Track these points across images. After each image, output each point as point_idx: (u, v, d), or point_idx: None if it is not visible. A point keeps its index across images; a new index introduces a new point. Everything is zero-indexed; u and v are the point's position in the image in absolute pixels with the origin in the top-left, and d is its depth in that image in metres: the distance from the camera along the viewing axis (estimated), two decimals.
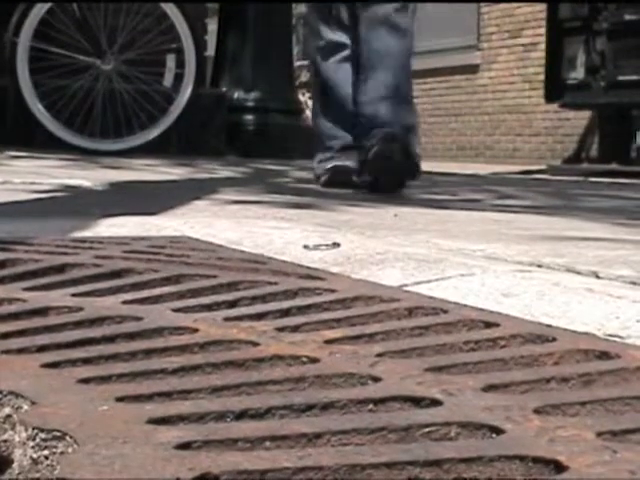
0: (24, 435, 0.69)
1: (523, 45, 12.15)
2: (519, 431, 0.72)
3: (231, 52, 7.09)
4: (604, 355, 0.96)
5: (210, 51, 7.44)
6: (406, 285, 1.39)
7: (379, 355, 0.94)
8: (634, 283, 1.48)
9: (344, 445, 0.70)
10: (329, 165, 3.81)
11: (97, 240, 1.67)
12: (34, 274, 1.35)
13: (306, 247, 1.68)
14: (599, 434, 0.72)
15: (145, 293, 1.23)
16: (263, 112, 6.85)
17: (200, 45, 6.30)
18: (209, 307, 1.17)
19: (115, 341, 0.98)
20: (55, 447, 0.67)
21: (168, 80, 6.21)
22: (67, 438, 0.67)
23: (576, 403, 0.80)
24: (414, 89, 3.86)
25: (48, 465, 0.67)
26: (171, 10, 5.91)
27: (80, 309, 1.12)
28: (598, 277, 1.54)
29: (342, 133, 3.82)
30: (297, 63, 9.73)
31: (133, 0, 6.09)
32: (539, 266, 1.64)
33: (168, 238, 1.74)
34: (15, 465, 0.70)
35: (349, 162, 3.71)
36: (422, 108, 13.55)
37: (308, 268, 1.45)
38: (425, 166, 4.02)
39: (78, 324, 1.05)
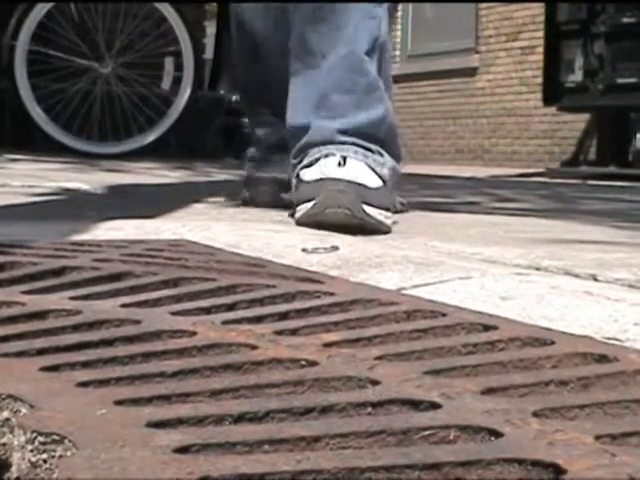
0: (23, 439, 0.69)
1: (521, 48, 12.16)
2: (518, 434, 0.72)
3: (230, 55, 7.09)
4: (603, 358, 0.96)
5: (209, 54, 7.44)
6: (404, 288, 1.39)
7: (378, 358, 0.94)
8: (632, 286, 1.48)
9: (343, 448, 0.70)
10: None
11: (95, 243, 1.67)
12: (32, 277, 1.35)
13: (304, 250, 1.68)
14: (598, 437, 0.72)
15: (143, 296, 1.23)
16: None
17: (199, 48, 6.31)
18: (207, 310, 1.17)
19: (114, 344, 0.98)
20: (54, 451, 0.67)
21: (166, 83, 6.22)
22: (66, 442, 0.67)
23: (575, 406, 0.80)
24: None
25: (47, 469, 0.67)
26: (169, 13, 5.92)
27: (79, 312, 1.11)
28: (596, 280, 1.54)
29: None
30: None
31: (131, 0, 6.10)
32: (537, 269, 1.64)
33: (166, 241, 1.74)
34: (13, 469, 0.70)
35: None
36: (420, 111, 13.57)
37: (306, 271, 1.45)
38: (423, 169, 4.02)
39: (77, 327, 1.05)
